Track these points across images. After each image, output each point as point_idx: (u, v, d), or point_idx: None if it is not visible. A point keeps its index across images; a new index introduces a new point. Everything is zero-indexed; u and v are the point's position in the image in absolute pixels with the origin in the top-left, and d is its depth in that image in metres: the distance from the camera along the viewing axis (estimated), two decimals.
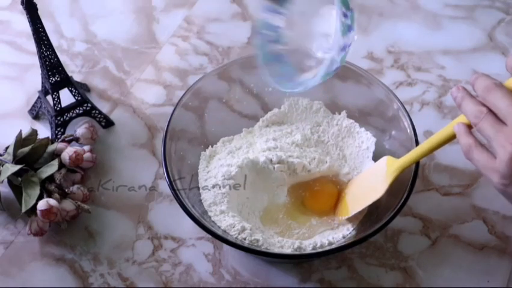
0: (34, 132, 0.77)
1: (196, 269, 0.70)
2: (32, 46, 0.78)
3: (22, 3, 0.70)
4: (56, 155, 0.76)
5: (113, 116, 0.84)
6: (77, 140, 0.79)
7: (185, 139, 0.73)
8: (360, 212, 0.70)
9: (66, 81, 0.80)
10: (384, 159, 0.67)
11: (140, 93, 0.87)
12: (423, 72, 0.88)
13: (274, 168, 0.72)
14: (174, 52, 0.92)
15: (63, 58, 0.85)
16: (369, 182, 0.70)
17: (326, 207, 0.72)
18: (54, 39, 0.92)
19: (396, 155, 0.69)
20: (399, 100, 0.72)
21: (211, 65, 0.90)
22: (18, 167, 0.73)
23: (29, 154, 0.74)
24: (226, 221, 0.67)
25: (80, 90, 0.82)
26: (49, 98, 0.81)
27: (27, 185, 0.72)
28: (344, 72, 0.76)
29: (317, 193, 0.73)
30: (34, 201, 0.71)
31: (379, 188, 0.66)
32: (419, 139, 0.68)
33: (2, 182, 0.74)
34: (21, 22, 0.95)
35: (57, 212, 0.70)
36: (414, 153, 0.64)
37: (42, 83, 0.81)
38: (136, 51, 0.93)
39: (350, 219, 0.69)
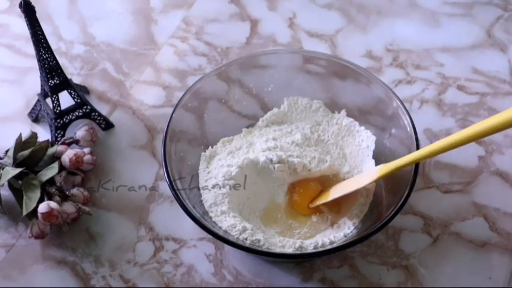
0: (34, 135, 0.77)
1: (197, 269, 0.70)
2: (30, 49, 0.78)
3: (20, 6, 0.70)
4: (56, 157, 0.76)
5: (112, 118, 0.84)
6: (77, 142, 0.79)
7: (185, 140, 0.73)
8: (361, 211, 0.70)
9: (65, 83, 0.79)
10: (380, 166, 0.67)
11: (139, 94, 0.87)
12: (422, 70, 0.88)
13: (274, 168, 0.72)
14: (173, 53, 0.92)
15: (62, 61, 0.85)
16: (356, 178, 0.71)
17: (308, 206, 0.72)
18: (53, 41, 0.93)
19: (396, 153, 0.69)
20: (398, 98, 0.72)
21: (210, 65, 0.90)
22: (18, 170, 0.73)
23: (29, 157, 0.74)
24: (227, 221, 0.67)
25: (80, 92, 0.82)
26: (48, 100, 0.80)
27: (28, 188, 0.72)
28: (343, 71, 0.76)
29: (298, 195, 0.73)
30: (35, 204, 0.71)
31: (364, 179, 0.66)
32: (419, 137, 0.68)
33: (3, 185, 0.74)
34: (20, 25, 0.96)
35: (58, 214, 0.70)
36: (406, 158, 0.64)
37: (41, 85, 0.81)
38: (135, 52, 0.93)
39: (350, 218, 0.69)
